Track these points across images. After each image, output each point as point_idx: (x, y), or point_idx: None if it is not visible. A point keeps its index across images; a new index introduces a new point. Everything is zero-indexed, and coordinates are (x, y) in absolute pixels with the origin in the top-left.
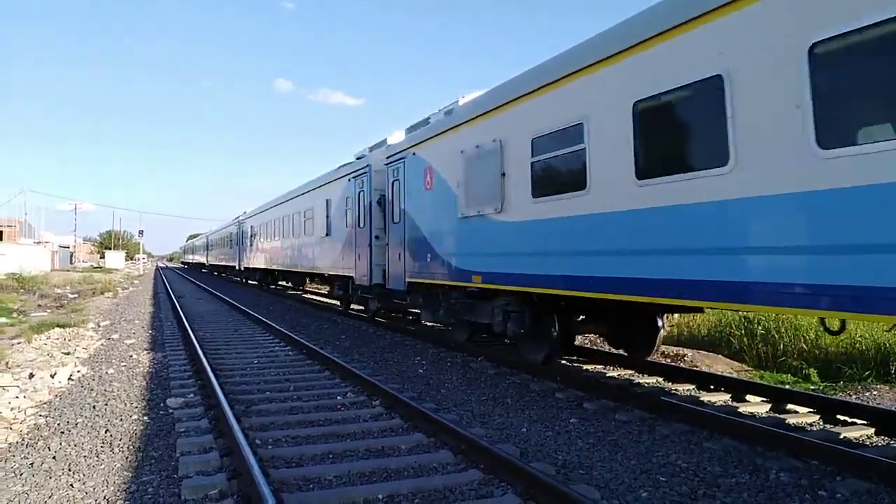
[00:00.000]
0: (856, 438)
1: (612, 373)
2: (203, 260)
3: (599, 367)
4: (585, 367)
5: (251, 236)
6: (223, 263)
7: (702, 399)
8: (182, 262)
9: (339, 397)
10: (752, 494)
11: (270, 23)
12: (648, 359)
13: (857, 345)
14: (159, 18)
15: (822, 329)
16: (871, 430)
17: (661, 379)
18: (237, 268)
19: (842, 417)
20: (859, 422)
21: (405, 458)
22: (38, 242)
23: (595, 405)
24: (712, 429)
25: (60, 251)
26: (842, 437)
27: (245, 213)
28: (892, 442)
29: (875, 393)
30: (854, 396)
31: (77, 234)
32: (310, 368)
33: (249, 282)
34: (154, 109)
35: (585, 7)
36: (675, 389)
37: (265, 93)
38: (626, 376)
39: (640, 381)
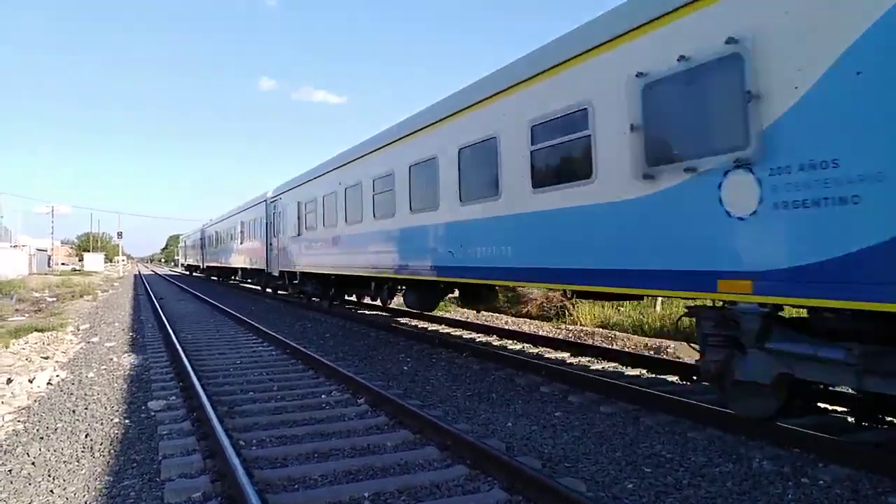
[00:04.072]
0: (836, 426)
1: (597, 365)
2: (182, 260)
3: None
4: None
5: (209, 242)
6: (193, 263)
7: (685, 390)
8: (185, 267)
9: (323, 396)
10: (736, 483)
11: (253, 21)
12: (633, 351)
13: None
14: (139, 15)
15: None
16: (852, 418)
17: (644, 371)
18: (201, 266)
19: (822, 405)
20: (840, 409)
21: (391, 456)
22: (15, 246)
23: (580, 398)
24: (696, 419)
25: (38, 254)
26: (822, 424)
27: (210, 220)
28: (872, 428)
29: None
30: None
31: (55, 236)
32: (293, 368)
33: (211, 277)
34: (134, 109)
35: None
36: (659, 381)
37: (248, 92)
38: (611, 368)
39: (624, 373)
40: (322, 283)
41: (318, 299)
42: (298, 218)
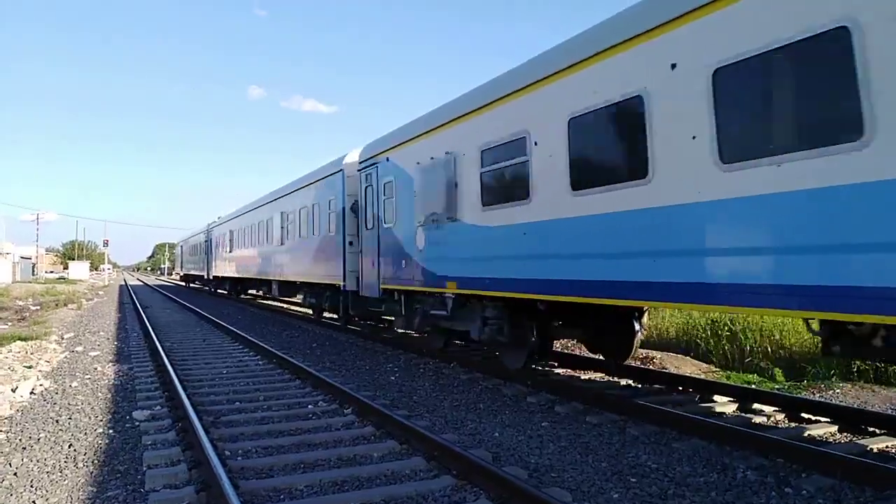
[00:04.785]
0: (820, 436)
1: (583, 376)
2: (178, 269)
3: (573, 372)
4: (562, 371)
5: (219, 245)
6: (194, 272)
7: (671, 400)
8: (182, 277)
9: (310, 406)
10: (720, 493)
11: (243, 31)
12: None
13: (820, 345)
14: (125, 23)
15: (785, 330)
16: (835, 428)
17: (630, 381)
18: (206, 276)
19: (806, 415)
20: (823, 419)
21: (377, 466)
22: None
23: (566, 408)
24: (681, 429)
25: (22, 262)
26: (806, 434)
27: (218, 218)
28: (854, 438)
29: (838, 391)
30: (818, 395)
31: (39, 244)
32: (280, 378)
33: (218, 291)
34: (120, 117)
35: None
36: (645, 391)
37: (237, 100)
38: (597, 379)
39: (611, 384)
40: (511, 316)
41: (497, 348)
42: (455, 186)
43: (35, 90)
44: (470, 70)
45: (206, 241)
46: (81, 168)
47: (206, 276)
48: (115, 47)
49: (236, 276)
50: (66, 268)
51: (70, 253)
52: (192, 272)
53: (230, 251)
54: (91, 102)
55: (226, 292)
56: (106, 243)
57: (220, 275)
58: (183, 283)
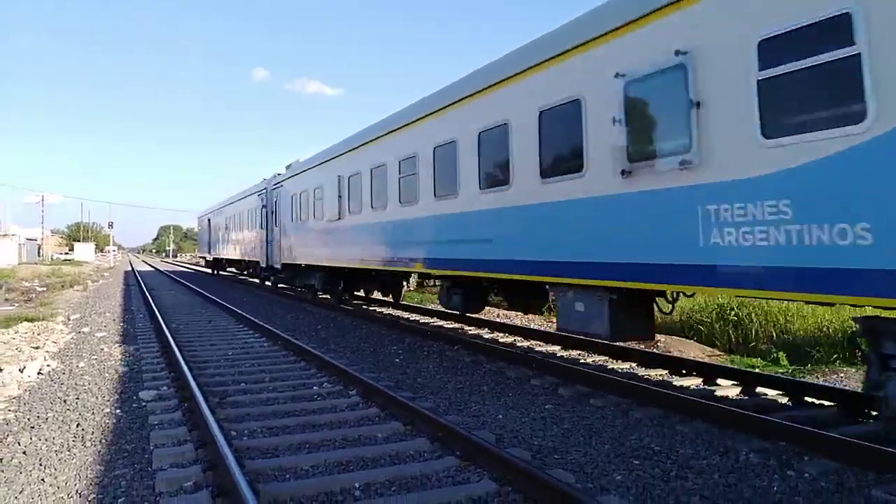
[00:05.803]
0: (823, 419)
1: (587, 359)
2: (202, 251)
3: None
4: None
5: (300, 210)
6: (243, 256)
7: (674, 383)
8: (208, 263)
9: (315, 387)
10: (723, 475)
11: (247, 12)
12: (622, 345)
13: (825, 329)
14: (126, 1)
15: (790, 314)
16: (838, 411)
17: (634, 364)
18: (265, 263)
19: (809, 399)
20: (826, 403)
21: (382, 447)
22: (5, 235)
23: (570, 391)
24: (684, 412)
25: (28, 244)
26: (809, 418)
27: (287, 168)
28: (857, 421)
29: (841, 375)
30: (821, 379)
31: (45, 226)
32: (285, 359)
33: (296, 287)
34: (124, 99)
35: None
36: (648, 375)
37: (242, 82)
38: (600, 362)
39: (614, 367)
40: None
41: None
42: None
43: (37, 70)
44: (475, 53)
45: (263, 207)
46: (85, 149)
47: (263, 263)
48: (114, 29)
49: (345, 264)
50: (71, 250)
51: (75, 235)
52: (233, 256)
53: (339, 217)
54: (93, 84)
55: (305, 289)
56: (111, 225)
57: (301, 262)
58: (209, 271)
